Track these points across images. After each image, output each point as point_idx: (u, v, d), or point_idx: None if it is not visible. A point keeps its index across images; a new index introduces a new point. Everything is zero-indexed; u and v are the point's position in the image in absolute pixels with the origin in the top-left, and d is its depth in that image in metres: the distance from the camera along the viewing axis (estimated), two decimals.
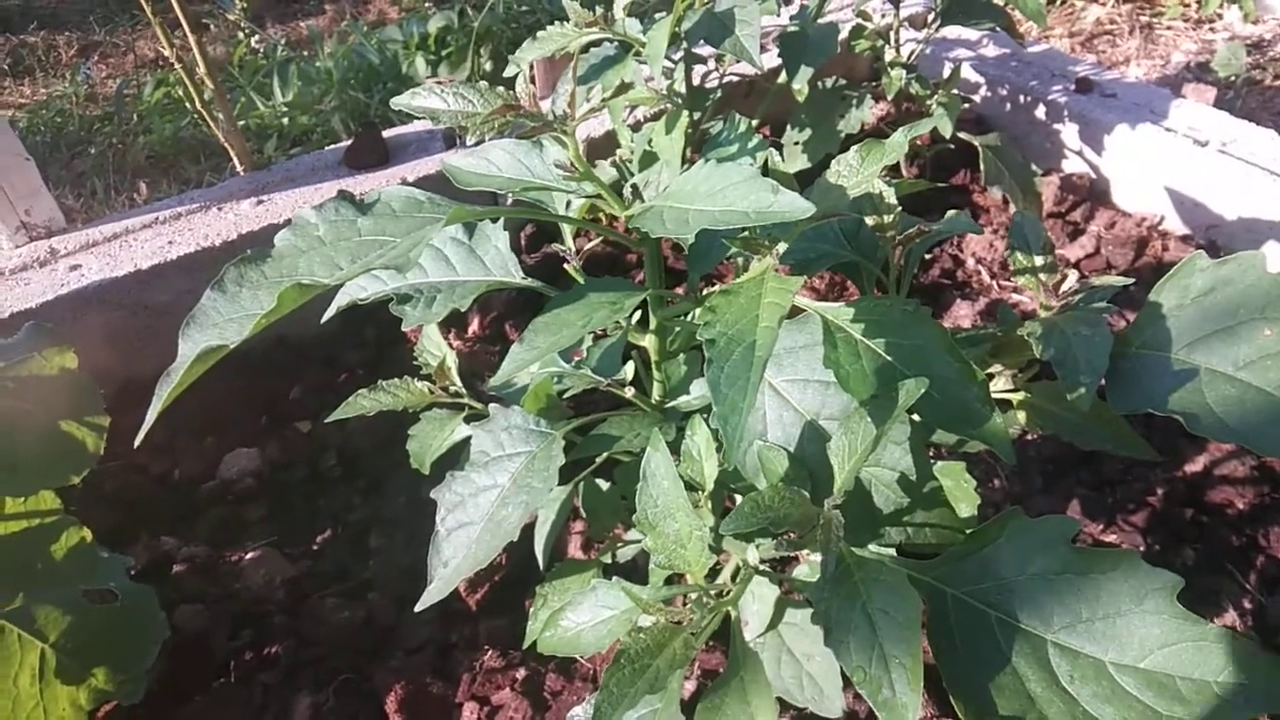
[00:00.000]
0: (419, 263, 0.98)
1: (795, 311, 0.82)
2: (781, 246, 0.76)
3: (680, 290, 1.66)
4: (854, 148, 0.76)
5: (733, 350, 0.67)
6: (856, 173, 0.75)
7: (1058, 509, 1.36)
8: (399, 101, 0.77)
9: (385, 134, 1.88)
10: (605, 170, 1.41)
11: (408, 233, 0.78)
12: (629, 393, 1.04)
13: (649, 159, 1.47)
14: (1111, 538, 1.32)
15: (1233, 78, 2.63)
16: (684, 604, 0.77)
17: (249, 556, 1.39)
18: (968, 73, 2.13)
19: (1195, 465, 1.41)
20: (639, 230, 0.77)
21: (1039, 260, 0.95)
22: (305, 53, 3.30)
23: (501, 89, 0.78)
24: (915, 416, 0.76)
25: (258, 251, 0.79)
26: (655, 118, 1.77)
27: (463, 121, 0.72)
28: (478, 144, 0.84)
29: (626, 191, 0.86)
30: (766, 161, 0.86)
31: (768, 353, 0.66)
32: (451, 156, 0.89)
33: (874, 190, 0.94)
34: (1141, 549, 1.31)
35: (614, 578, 0.84)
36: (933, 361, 0.74)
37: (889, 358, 0.75)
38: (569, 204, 1.01)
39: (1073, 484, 1.40)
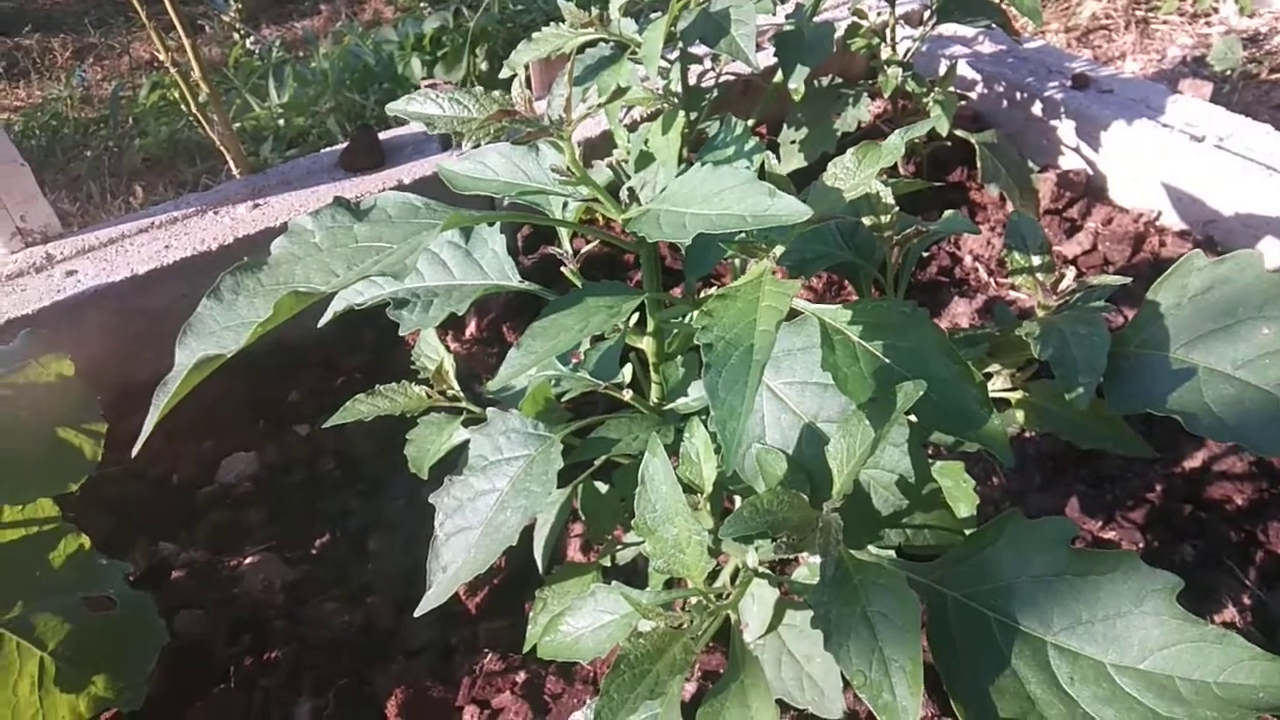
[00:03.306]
0: (416, 267, 0.97)
1: (793, 314, 0.82)
2: (779, 249, 0.75)
3: (678, 290, 1.65)
4: (850, 150, 0.76)
5: (730, 355, 0.67)
6: (853, 175, 0.75)
7: (1057, 506, 1.37)
8: (394, 107, 0.76)
9: (381, 136, 1.88)
10: (601, 171, 1.41)
11: (404, 238, 0.77)
12: (627, 395, 1.04)
13: (645, 159, 1.46)
14: (1111, 534, 1.32)
15: (1229, 72, 2.63)
16: (683, 608, 0.77)
17: (248, 561, 1.38)
18: (964, 70, 2.13)
19: (1194, 461, 1.41)
20: (635, 234, 0.77)
21: (1036, 260, 0.95)
22: (301, 53, 3.30)
23: (497, 94, 0.77)
24: (913, 418, 0.76)
25: (254, 259, 0.79)
26: (651, 118, 1.77)
27: (458, 127, 0.72)
28: (474, 148, 0.84)
29: (623, 194, 0.86)
30: (763, 164, 0.86)
31: (765, 357, 0.66)
32: (447, 160, 0.89)
33: (871, 191, 0.94)
34: (1141, 545, 1.31)
35: (613, 582, 0.84)
36: (930, 363, 0.74)
37: (887, 360, 0.75)
38: (565, 206, 1.01)
39: (1072, 481, 1.40)
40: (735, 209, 0.68)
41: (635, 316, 1.03)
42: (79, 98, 3.13)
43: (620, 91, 0.78)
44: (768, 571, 0.84)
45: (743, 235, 0.77)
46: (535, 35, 1.37)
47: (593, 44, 1.45)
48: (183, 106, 1.77)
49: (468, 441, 0.99)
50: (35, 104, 3.18)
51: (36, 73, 3.42)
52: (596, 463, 1.04)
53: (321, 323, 0.95)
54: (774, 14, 1.52)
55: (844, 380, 0.73)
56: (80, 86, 3.21)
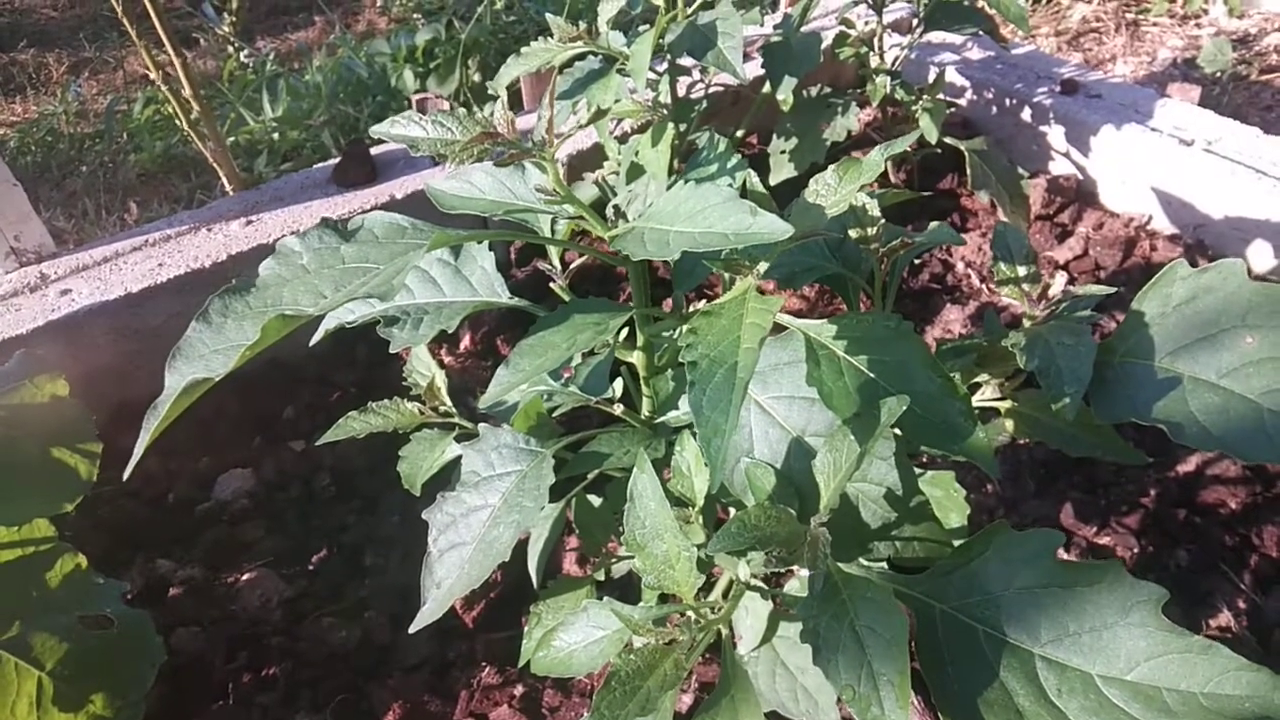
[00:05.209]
0: (405, 285, 0.98)
1: (779, 328, 0.83)
2: (762, 266, 0.76)
3: (669, 303, 1.66)
4: (831, 166, 0.77)
5: (714, 372, 0.67)
6: (834, 191, 0.76)
7: (1051, 513, 1.37)
8: (379, 130, 0.77)
9: (373, 150, 1.88)
10: (589, 187, 1.41)
11: (391, 259, 0.78)
12: (618, 409, 1.05)
13: (636, 171, 1.47)
14: (1105, 540, 1.33)
15: (1219, 73, 2.64)
16: (675, 623, 0.77)
17: (245, 578, 1.39)
18: (953, 76, 2.14)
19: (1187, 465, 1.41)
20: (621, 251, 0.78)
21: (1022, 270, 0.96)
22: (295, 65, 3.31)
23: (481, 114, 0.78)
24: (898, 431, 0.77)
25: (242, 281, 0.79)
26: (641, 129, 1.78)
27: (441, 149, 0.73)
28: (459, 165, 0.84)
29: (609, 212, 0.86)
30: (745, 182, 0.86)
31: (749, 374, 0.66)
32: (434, 179, 0.89)
33: (856, 203, 0.94)
34: (1136, 551, 1.31)
35: (605, 597, 0.85)
36: (915, 377, 0.75)
37: (871, 374, 0.75)
38: (554, 222, 1.02)
39: (1065, 487, 1.41)
40: (718, 227, 0.69)
41: (625, 331, 1.03)
42: (74, 113, 3.14)
43: (603, 112, 0.79)
44: (760, 584, 0.84)
45: (726, 252, 0.78)
46: (524, 50, 1.38)
47: (582, 57, 1.46)
48: (177, 122, 1.77)
49: (460, 457, 1.00)
50: (30, 119, 3.18)
51: (32, 88, 3.43)
52: (590, 476, 1.05)
53: (313, 341, 0.96)
54: (761, 25, 1.53)
55: (829, 395, 0.74)
56: (75, 101, 3.21)
